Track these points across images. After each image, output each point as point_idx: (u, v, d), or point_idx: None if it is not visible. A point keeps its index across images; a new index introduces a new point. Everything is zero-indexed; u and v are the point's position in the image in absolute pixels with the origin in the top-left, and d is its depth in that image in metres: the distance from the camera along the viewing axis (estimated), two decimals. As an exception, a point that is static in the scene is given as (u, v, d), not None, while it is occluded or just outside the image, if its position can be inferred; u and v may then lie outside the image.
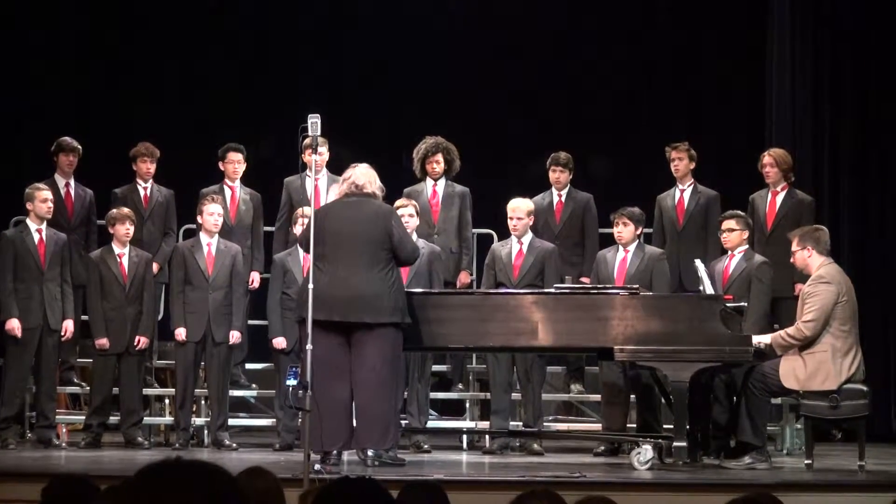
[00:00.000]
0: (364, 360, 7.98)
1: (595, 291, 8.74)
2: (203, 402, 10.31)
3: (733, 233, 9.28)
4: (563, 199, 10.45)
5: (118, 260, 9.85)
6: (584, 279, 9.99)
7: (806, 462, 8.48)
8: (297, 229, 9.63)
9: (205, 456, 9.15)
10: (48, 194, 9.85)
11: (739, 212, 9.51)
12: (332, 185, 9.95)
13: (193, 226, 10.58)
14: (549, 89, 12.69)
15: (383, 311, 8.01)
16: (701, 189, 10.30)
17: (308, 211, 8.34)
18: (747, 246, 9.36)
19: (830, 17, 11.90)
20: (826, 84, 11.84)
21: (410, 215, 9.31)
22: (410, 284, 8.95)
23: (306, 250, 8.30)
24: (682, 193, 10.33)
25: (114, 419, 9.99)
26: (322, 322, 7.84)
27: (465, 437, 10.30)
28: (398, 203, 9.34)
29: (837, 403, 8.33)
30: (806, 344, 8.40)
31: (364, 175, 8.25)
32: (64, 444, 9.92)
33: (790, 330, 8.48)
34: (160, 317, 10.55)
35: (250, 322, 10.42)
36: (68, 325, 9.81)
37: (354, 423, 8.08)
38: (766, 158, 10.22)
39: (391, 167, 10.01)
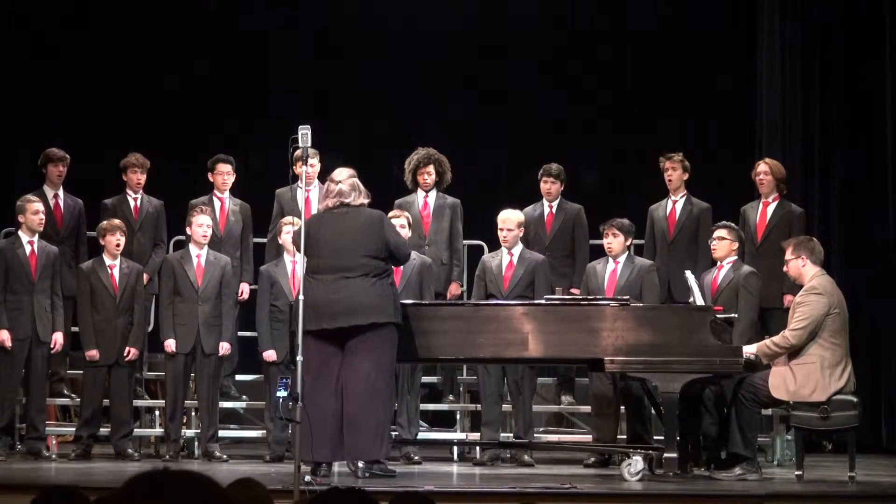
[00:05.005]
0: (358, 368, 7.93)
1: (585, 303, 8.74)
2: (193, 413, 10.29)
3: (723, 241, 9.30)
4: (553, 210, 10.46)
5: (109, 271, 9.84)
6: (573, 290, 10.00)
7: (796, 473, 8.48)
8: (284, 237, 9.65)
9: (195, 467, 9.13)
10: (40, 206, 9.84)
11: (733, 224, 9.53)
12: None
13: (183, 237, 10.58)
14: (542, 101, 12.71)
15: (384, 312, 7.98)
16: (694, 201, 10.32)
17: (296, 221, 8.34)
18: (736, 257, 9.38)
19: (821, 23, 11.93)
20: (817, 95, 11.87)
21: (402, 226, 9.28)
22: (400, 296, 8.93)
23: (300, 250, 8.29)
24: (675, 205, 10.35)
25: (104, 431, 9.98)
26: (318, 332, 7.84)
27: (455, 448, 10.29)
28: (391, 214, 9.32)
29: (828, 414, 8.33)
30: (796, 355, 8.39)
31: (350, 187, 8.20)
32: (54, 456, 9.89)
33: (776, 338, 8.48)
34: (150, 328, 10.54)
35: (240, 333, 10.41)
36: (57, 338, 9.80)
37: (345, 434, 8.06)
38: (762, 167, 10.24)
39: (381, 178, 10.03)
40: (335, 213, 8.18)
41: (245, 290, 10.39)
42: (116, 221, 9.93)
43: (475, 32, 12.77)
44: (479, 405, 9.93)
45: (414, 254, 9.46)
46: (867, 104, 11.76)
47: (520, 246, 9.68)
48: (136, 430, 10.24)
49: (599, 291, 9.40)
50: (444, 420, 11.09)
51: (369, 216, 8.19)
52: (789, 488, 8.24)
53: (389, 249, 8.11)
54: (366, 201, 8.24)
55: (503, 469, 9.44)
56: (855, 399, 8.40)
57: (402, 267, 9.31)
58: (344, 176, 8.24)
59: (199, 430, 10.02)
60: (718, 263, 9.37)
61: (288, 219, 9.73)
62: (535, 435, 9.95)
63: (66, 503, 3.59)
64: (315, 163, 10.04)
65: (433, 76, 12.73)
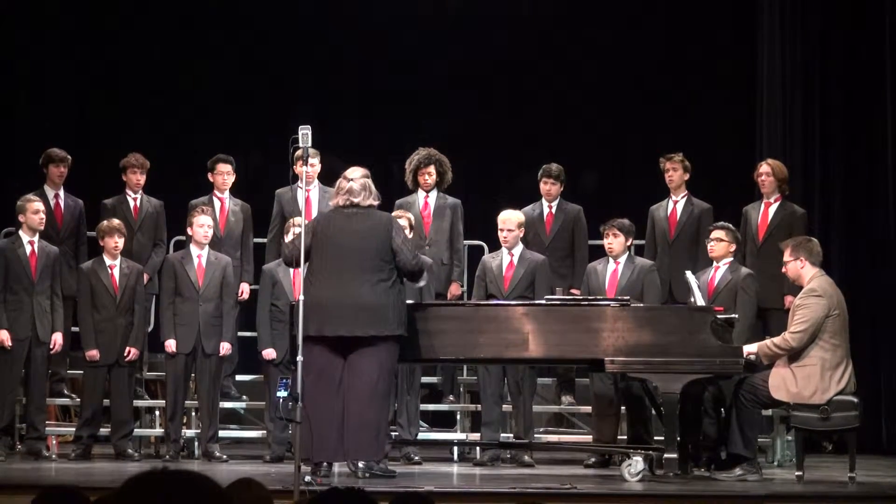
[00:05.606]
0: (361, 370, 7.91)
1: (586, 303, 8.73)
2: (193, 413, 10.29)
3: (721, 243, 9.30)
4: (553, 210, 10.45)
5: (109, 271, 9.84)
6: (573, 291, 9.99)
7: (796, 474, 8.48)
8: (290, 238, 9.63)
9: (195, 467, 9.11)
10: (40, 206, 9.84)
11: (730, 225, 9.52)
12: (324, 196, 9.94)
13: (183, 237, 10.58)
14: (541, 101, 12.71)
15: (388, 322, 7.93)
16: (695, 201, 10.32)
17: (299, 221, 8.33)
18: (732, 259, 9.37)
19: (821, 23, 11.92)
20: (817, 95, 11.87)
21: (404, 227, 9.25)
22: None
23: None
24: (675, 205, 10.34)
25: (104, 431, 9.98)
26: (318, 337, 7.82)
27: (455, 448, 10.29)
28: (394, 214, 9.30)
29: (828, 415, 8.33)
30: (796, 357, 8.39)
31: (361, 187, 8.18)
32: (54, 456, 9.90)
33: (777, 339, 8.48)
34: (150, 328, 10.53)
35: (240, 334, 10.41)
36: (57, 338, 9.80)
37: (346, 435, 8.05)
38: (764, 167, 10.24)
39: (382, 178, 10.01)
40: (344, 214, 8.14)
41: (245, 290, 10.38)
42: (115, 222, 9.92)
43: (475, 32, 12.76)
44: (479, 405, 9.92)
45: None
46: (867, 104, 11.75)
47: (520, 246, 9.67)
48: (136, 430, 10.24)
49: (600, 292, 9.39)
50: (444, 420, 11.08)
51: (378, 218, 8.16)
52: (789, 489, 8.24)
53: (393, 250, 8.08)
54: (375, 203, 8.21)
55: (503, 469, 9.43)
56: (855, 399, 8.39)
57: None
58: (357, 175, 8.23)
59: (199, 430, 10.02)
60: (715, 264, 9.37)
61: (298, 220, 9.67)
62: (536, 435, 9.94)
63: (66, 503, 3.59)
64: (315, 163, 10.04)
65: (433, 76, 12.72)
